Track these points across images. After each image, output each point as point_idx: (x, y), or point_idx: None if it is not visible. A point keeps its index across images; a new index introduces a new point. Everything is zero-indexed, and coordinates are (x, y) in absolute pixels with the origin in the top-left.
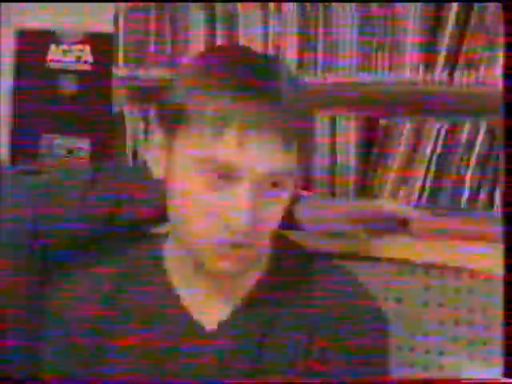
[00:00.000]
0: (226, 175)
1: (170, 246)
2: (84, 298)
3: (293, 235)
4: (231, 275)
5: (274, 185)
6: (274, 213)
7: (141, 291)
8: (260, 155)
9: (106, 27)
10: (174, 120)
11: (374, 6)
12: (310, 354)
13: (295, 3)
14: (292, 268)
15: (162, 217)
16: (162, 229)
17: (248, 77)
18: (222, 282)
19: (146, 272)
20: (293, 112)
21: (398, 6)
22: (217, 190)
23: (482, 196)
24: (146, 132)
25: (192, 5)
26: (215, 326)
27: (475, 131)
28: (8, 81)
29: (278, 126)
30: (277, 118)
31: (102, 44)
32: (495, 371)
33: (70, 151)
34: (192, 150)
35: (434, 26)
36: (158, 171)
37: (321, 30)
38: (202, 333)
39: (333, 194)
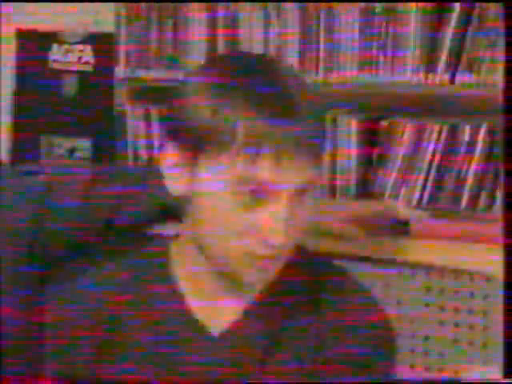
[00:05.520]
0: (262, 193)
1: (181, 250)
2: (88, 301)
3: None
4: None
5: (301, 194)
6: (302, 220)
7: (146, 295)
8: (295, 172)
9: (108, 27)
10: (197, 140)
11: (375, 7)
12: (316, 363)
13: (296, 4)
14: (302, 275)
15: (162, 217)
16: (167, 230)
17: (272, 94)
18: (231, 282)
19: (151, 276)
20: (318, 126)
21: (400, 7)
22: (253, 209)
23: (483, 198)
24: (147, 135)
25: (193, 6)
26: (221, 332)
27: (476, 133)
28: (9, 81)
29: (308, 142)
30: (307, 134)
31: (103, 44)
32: (494, 373)
33: (71, 151)
34: (225, 170)
35: (436, 28)
36: (177, 189)
37: (322, 31)
38: (208, 338)
39: (333, 195)
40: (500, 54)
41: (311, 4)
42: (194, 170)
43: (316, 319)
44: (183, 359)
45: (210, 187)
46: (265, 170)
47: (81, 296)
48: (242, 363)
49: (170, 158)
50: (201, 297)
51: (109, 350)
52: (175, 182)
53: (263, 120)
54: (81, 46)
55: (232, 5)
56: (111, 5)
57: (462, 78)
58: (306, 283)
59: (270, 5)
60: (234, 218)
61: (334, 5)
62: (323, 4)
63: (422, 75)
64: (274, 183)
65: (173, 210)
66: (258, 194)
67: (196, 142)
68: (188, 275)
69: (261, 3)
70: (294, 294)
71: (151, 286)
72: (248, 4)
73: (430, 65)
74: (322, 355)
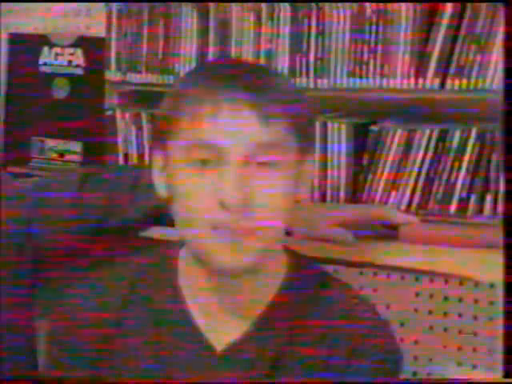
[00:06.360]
0: (211, 157)
1: (183, 256)
2: (92, 306)
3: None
4: (239, 272)
5: (263, 163)
6: (272, 194)
7: (152, 306)
8: (236, 127)
9: (99, 31)
10: (164, 134)
11: (366, 13)
12: (324, 377)
13: (287, 8)
14: (307, 288)
15: (152, 220)
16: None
17: (228, 71)
18: (235, 296)
19: (156, 285)
20: (270, 89)
21: (390, 11)
22: (206, 175)
23: (472, 203)
24: (137, 139)
25: (185, 9)
26: (226, 347)
27: (466, 138)
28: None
29: (250, 101)
30: (250, 93)
31: (94, 48)
32: (484, 377)
33: (61, 154)
34: (178, 143)
35: (426, 33)
36: (162, 192)
37: (313, 36)
38: (213, 353)
39: (323, 200)
40: (491, 58)
41: (302, 8)
42: (170, 166)
43: (321, 337)
44: (185, 372)
45: (177, 173)
46: (204, 130)
47: (81, 304)
48: (247, 380)
49: (156, 162)
50: (206, 316)
51: (109, 360)
52: (162, 185)
53: (205, 83)
54: (71, 50)
55: (223, 7)
56: (102, 7)
57: (452, 83)
58: (311, 301)
59: (262, 10)
60: (193, 188)
61: (325, 9)
62: (314, 8)
63: (411, 80)
64: (217, 145)
65: (166, 215)
66: (207, 158)
67: (167, 136)
68: (193, 291)
69: (252, 8)
70: (298, 310)
71: (156, 295)
72: (240, 9)
73: (420, 70)
74: (328, 374)
